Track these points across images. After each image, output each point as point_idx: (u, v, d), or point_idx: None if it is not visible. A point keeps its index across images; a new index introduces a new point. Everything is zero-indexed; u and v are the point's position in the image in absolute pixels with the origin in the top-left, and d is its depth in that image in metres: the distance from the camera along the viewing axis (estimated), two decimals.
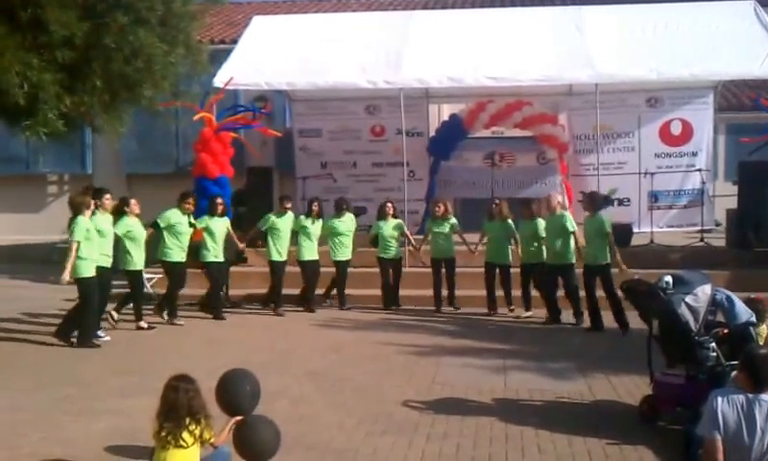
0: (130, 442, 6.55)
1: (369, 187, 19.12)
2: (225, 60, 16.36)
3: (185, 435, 5.48)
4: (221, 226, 13.30)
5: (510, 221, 13.58)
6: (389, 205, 14.39)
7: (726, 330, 7.02)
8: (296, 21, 18.60)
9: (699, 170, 17.90)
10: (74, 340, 10.86)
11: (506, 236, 13.56)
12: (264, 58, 16.40)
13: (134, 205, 12.04)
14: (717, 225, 17.82)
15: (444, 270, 13.86)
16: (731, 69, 15.35)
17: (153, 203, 12.60)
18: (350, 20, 18.13)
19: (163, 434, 5.49)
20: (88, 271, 10.68)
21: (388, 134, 19.29)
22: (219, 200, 13.32)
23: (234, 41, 18.82)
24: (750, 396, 5.19)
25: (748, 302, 7.39)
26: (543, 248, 12.95)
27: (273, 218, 13.81)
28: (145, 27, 10.52)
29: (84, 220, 10.59)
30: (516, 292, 13.34)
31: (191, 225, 12.67)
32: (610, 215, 13.22)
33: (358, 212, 15.38)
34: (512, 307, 13.39)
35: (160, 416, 5.57)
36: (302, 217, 14.10)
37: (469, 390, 8.54)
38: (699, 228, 16.73)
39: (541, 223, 13.03)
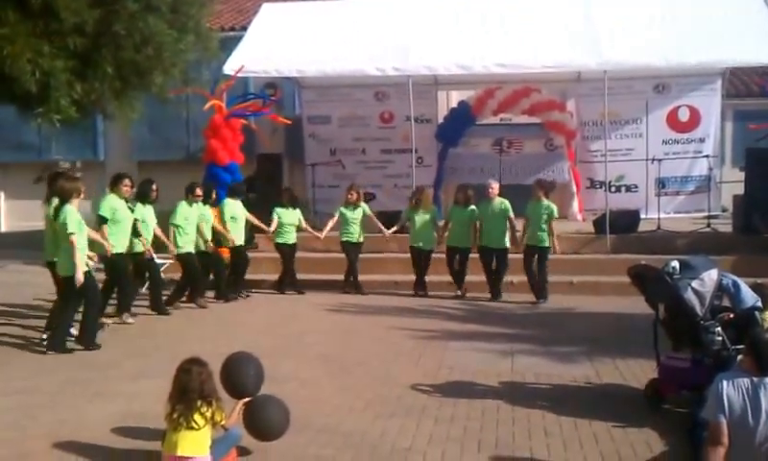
0: (142, 424, 6.62)
1: (377, 174, 19.20)
2: (234, 46, 16.40)
3: (197, 417, 5.57)
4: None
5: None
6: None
7: (732, 315, 7.09)
8: (305, 8, 18.60)
9: (706, 156, 17.91)
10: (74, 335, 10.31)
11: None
12: (274, 45, 16.43)
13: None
14: (724, 211, 17.83)
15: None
16: (738, 56, 15.31)
17: (164, 189, 12.64)
18: (360, 7, 18.10)
19: (175, 416, 5.57)
20: (84, 264, 9.81)
21: (396, 121, 19.34)
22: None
23: (244, 28, 18.84)
24: (755, 379, 5.26)
25: (754, 287, 7.43)
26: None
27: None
28: (155, 14, 10.57)
29: (73, 210, 9.66)
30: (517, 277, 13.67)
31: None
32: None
33: (367, 198, 15.42)
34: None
35: (173, 398, 5.65)
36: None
37: (477, 374, 8.61)
38: (706, 214, 16.72)
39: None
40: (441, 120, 19.47)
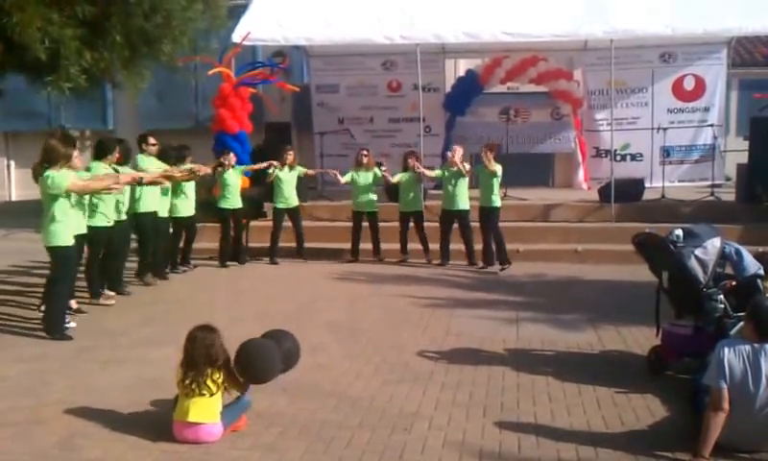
0: (155, 390, 6.70)
1: (385, 143, 19.25)
2: (243, 14, 16.38)
3: (209, 383, 5.67)
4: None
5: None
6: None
7: (734, 283, 7.13)
8: None
9: (711, 125, 17.96)
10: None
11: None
12: (281, 13, 16.38)
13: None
14: (728, 180, 17.86)
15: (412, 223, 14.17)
16: (744, 25, 15.23)
17: None
18: None
19: (187, 382, 5.67)
20: (67, 238, 8.83)
21: (404, 90, 19.39)
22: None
23: None
24: (756, 346, 5.35)
25: (757, 255, 7.47)
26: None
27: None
28: None
29: (57, 175, 8.61)
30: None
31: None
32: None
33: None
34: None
35: (183, 365, 5.76)
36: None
37: (483, 341, 8.70)
38: (710, 182, 16.76)
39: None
40: (448, 89, 19.49)
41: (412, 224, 14.07)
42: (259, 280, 12.70)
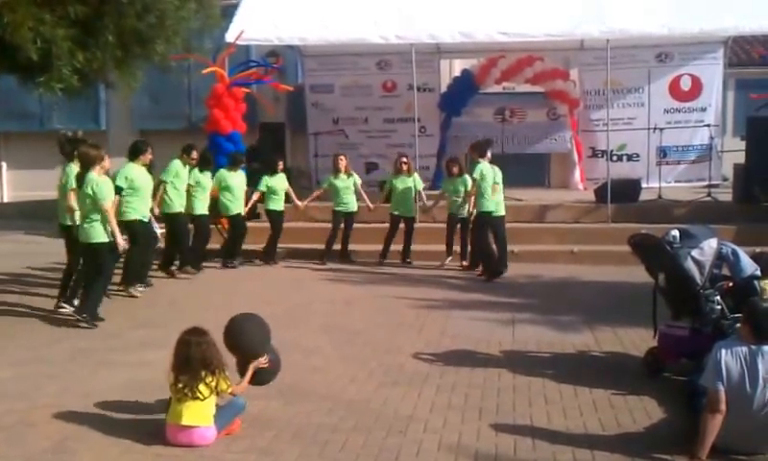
0: (149, 393, 6.65)
1: (380, 143, 19.25)
2: (236, 14, 16.34)
3: (202, 387, 5.63)
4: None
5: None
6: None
7: (731, 284, 7.11)
8: None
9: (708, 125, 17.94)
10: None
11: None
12: (275, 12, 16.34)
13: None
14: (724, 180, 17.85)
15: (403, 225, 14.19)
16: (741, 24, 15.24)
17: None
18: None
19: (180, 386, 5.63)
20: (105, 235, 9.50)
21: (399, 90, 19.36)
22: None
23: None
24: (752, 347, 5.32)
25: (753, 256, 7.45)
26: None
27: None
28: None
29: (97, 177, 9.45)
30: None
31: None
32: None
33: (369, 168, 15.44)
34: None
35: (175, 369, 5.70)
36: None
37: (478, 342, 8.66)
38: (706, 183, 16.75)
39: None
40: (444, 89, 19.45)
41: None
42: (253, 282, 12.64)
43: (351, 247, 14.41)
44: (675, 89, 18.64)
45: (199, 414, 5.64)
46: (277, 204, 14.22)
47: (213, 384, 5.70)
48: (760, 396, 5.27)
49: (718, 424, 5.21)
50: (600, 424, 6.18)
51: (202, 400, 5.65)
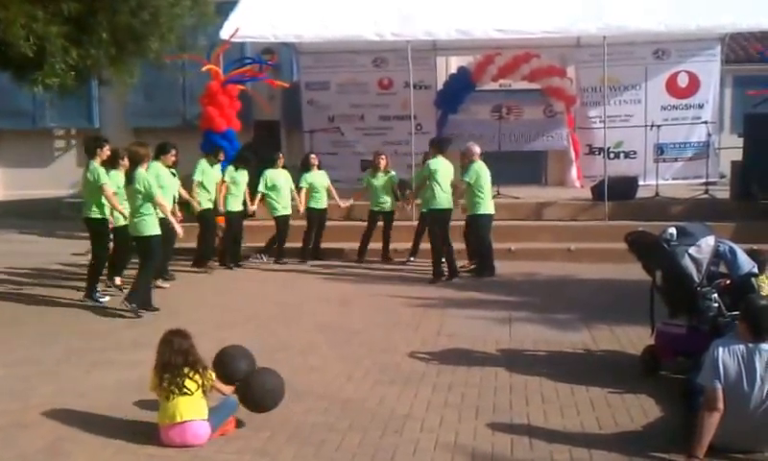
0: (141, 393, 6.59)
1: (376, 141, 19.10)
2: (231, 11, 16.26)
3: (188, 383, 5.63)
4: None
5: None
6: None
7: (728, 281, 7.08)
8: None
9: (705, 122, 17.86)
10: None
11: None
12: (271, 9, 16.27)
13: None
14: (722, 177, 17.83)
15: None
16: (738, 21, 15.22)
17: None
18: None
19: (165, 385, 5.64)
20: (154, 228, 10.08)
21: (395, 88, 19.28)
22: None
23: None
24: (750, 345, 5.30)
25: (751, 253, 7.44)
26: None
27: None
28: None
29: (152, 182, 10.01)
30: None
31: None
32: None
33: (365, 166, 15.38)
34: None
35: (158, 368, 5.72)
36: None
37: (475, 341, 8.63)
38: (704, 180, 16.71)
39: None
40: (440, 86, 19.41)
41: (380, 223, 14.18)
42: (249, 282, 12.64)
43: (343, 245, 14.44)
44: (672, 86, 18.60)
45: (190, 408, 5.63)
46: (318, 202, 14.34)
47: (199, 380, 5.68)
48: (758, 394, 5.24)
49: (715, 423, 5.19)
50: (597, 423, 6.15)
51: (190, 395, 5.64)
